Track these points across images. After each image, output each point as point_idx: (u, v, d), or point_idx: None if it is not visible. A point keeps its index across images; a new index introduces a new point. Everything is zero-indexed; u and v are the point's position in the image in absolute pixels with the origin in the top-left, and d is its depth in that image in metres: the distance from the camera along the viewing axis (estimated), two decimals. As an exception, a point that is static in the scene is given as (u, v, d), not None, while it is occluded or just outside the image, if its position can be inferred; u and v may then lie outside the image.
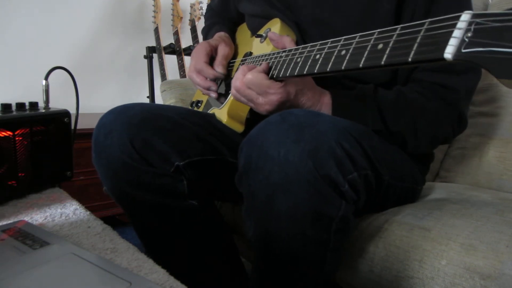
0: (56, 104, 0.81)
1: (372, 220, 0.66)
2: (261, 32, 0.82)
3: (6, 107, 0.71)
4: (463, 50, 0.34)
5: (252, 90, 0.64)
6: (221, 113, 0.80)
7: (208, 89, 0.82)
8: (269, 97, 0.62)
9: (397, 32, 0.43)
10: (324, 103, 0.67)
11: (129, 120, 0.70)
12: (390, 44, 0.43)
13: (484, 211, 0.63)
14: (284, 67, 0.61)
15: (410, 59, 0.40)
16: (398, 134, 0.67)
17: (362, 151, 0.57)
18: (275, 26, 0.77)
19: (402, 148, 0.70)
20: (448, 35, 0.36)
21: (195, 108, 0.97)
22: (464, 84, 0.68)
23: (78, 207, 0.69)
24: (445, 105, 0.67)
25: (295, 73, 0.58)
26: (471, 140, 1.01)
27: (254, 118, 0.75)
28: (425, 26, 0.39)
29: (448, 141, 0.73)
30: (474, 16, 0.34)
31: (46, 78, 0.81)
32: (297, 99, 0.65)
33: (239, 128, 0.78)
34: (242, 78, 0.64)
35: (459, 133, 0.72)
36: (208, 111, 0.87)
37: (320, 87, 0.68)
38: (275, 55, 0.65)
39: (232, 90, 0.67)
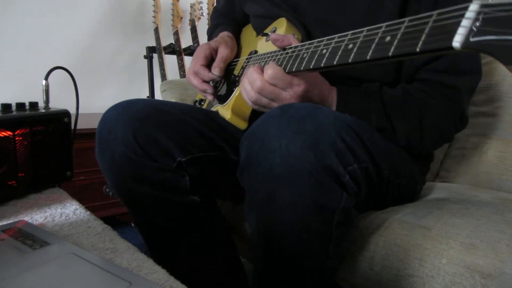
0: (56, 104, 0.81)
1: (373, 218, 0.66)
2: (267, 31, 0.82)
3: (6, 107, 0.71)
4: (471, 39, 0.35)
5: (276, 86, 0.61)
6: (225, 109, 0.80)
7: (204, 91, 0.83)
8: (294, 89, 0.61)
9: (405, 24, 0.43)
10: (334, 98, 0.67)
11: (133, 115, 0.70)
12: (398, 36, 0.43)
13: (484, 211, 0.63)
14: (291, 62, 0.61)
15: (418, 49, 0.40)
16: (403, 133, 0.67)
17: (362, 145, 0.57)
18: (281, 25, 0.78)
19: (406, 148, 0.70)
20: (457, 24, 0.37)
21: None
22: (466, 83, 0.69)
23: (78, 207, 0.69)
24: (449, 103, 0.67)
25: (302, 68, 0.58)
26: (471, 140, 1.01)
27: (255, 116, 0.75)
28: (433, 18, 0.40)
29: (450, 139, 0.74)
30: (483, 6, 0.35)
31: (46, 78, 0.80)
32: (313, 91, 0.64)
33: (242, 125, 0.78)
34: (261, 77, 0.61)
35: (461, 130, 0.73)
36: (212, 109, 0.87)
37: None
38: (281, 52, 0.65)
39: (251, 94, 0.63)
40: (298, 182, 0.51)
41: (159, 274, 0.46)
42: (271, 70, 0.60)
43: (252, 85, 0.63)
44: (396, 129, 0.66)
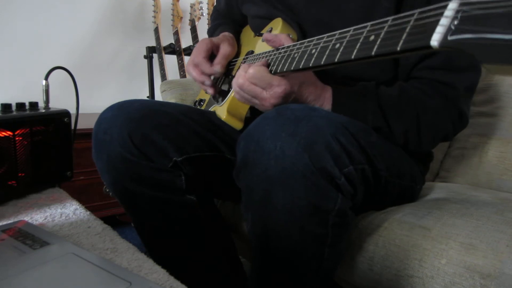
0: (56, 104, 0.81)
1: (372, 219, 0.66)
2: (264, 31, 0.82)
3: (6, 107, 0.71)
4: (449, 38, 0.35)
5: (255, 85, 0.63)
6: (221, 110, 0.81)
7: (203, 83, 0.83)
8: (273, 89, 0.62)
9: (388, 23, 0.43)
10: (327, 98, 0.67)
11: (129, 115, 0.70)
12: (381, 35, 0.43)
13: (484, 211, 0.63)
14: (282, 62, 0.61)
15: (398, 48, 0.40)
16: (400, 132, 0.67)
17: (358, 146, 0.57)
18: (277, 25, 0.78)
19: (404, 147, 0.70)
20: (435, 23, 0.37)
21: (198, 107, 0.98)
22: (464, 81, 0.68)
23: (78, 207, 0.69)
24: (445, 102, 0.67)
25: (292, 68, 0.58)
26: (471, 140, 1.01)
27: (253, 116, 0.75)
28: (415, 17, 0.40)
29: (448, 138, 0.73)
30: (461, 4, 0.35)
31: (46, 78, 0.81)
32: (301, 92, 0.65)
33: (238, 125, 0.78)
34: (244, 74, 0.64)
35: (460, 130, 0.73)
36: (210, 109, 0.87)
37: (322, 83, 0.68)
38: (274, 52, 0.66)
39: (235, 88, 0.67)
40: (293, 184, 0.51)
41: (159, 274, 0.46)
42: (252, 69, 0.63)
43: (236, 80, 0.66)
44: (392, 128, 0.66)
